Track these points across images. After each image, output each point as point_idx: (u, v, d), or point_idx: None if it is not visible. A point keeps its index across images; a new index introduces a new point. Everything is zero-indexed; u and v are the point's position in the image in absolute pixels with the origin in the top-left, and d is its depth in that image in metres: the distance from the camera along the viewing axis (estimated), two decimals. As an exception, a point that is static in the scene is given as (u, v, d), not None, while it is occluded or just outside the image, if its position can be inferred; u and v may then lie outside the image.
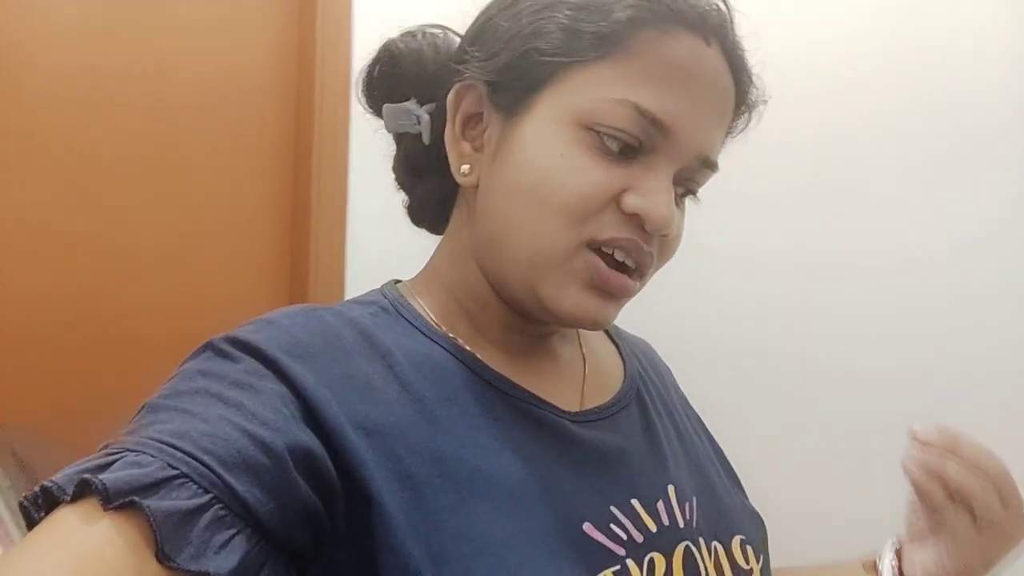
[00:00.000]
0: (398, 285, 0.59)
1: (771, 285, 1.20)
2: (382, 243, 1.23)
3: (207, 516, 0.36)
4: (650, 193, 0.49)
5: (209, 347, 0.46)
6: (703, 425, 0.70)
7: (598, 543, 0.48)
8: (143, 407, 0.42)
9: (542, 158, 0.50)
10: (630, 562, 0.48)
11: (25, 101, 1.15)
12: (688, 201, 0.56)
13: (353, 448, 0.44)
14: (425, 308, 0.56)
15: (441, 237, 0.60)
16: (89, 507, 0.35)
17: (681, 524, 0.53)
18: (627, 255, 0.50)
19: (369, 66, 0.59)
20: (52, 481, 0.36)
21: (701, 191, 0.56)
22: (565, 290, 0.50)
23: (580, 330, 0.64)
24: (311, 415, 0.44)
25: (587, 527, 0.48)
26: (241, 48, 1.35)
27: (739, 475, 0.68)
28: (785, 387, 1.18)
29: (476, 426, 0.49)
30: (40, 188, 1.16)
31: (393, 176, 0.63)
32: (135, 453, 0.37)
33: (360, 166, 1.30)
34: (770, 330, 1.20)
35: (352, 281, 1.29)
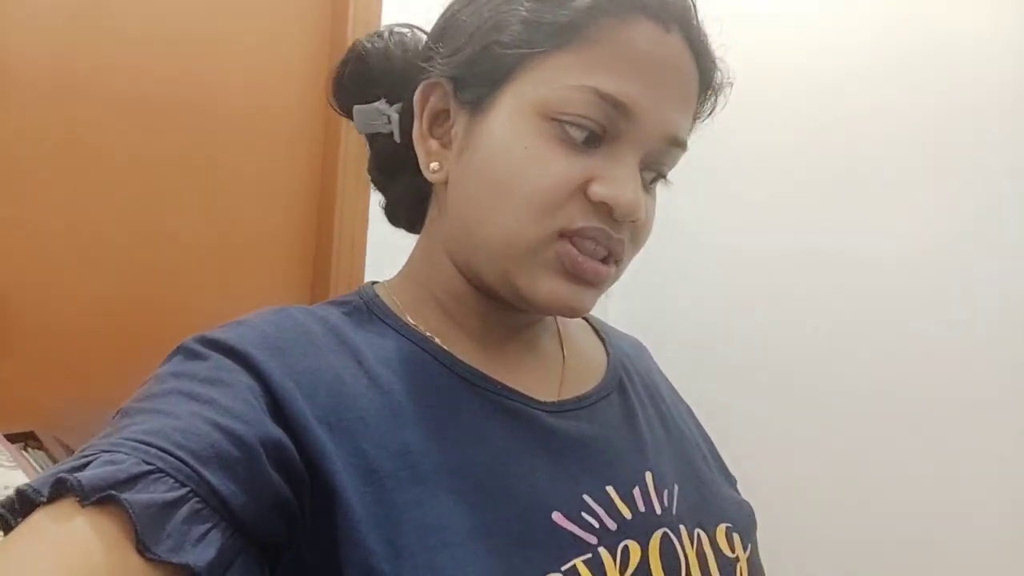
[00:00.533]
0: (374, 285, 0.60)
1: (771, 281, 1.20)
2: (404, 251, 1.26)
3: (184, 509, 0.37)
4: (616, 181, 0.49)
5: (180, 350, 0.47)
6: (695, 418, 0.70)
7: (568, 532, 0.47)
8: (117, 413, 0.43)
9: (506, 152, 0.50)
10: (602, 550, 0.48)
11: (74, 109, 1.21)
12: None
13: (317, 442, 0.44)
14: (399, 306, 0.57)
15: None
16: (67, 506, 0.35)
17: (659, 511, 0.53)
18: (598, 244, 0.50)
19: (338, 67, 0.60)
20: (27, 485, 0.36)
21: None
22: (540, 279, 0.50)
23: (560, 323, 0.65)
24: (277, 408, 0.44)
25: (556, 516, 0.48)
26: (274, 57, 1.43)
27: (739, 468, 0.68)
28: (785, 381, 1.19)
29: (445, 419, 0.49)
30: (78, 193, 1.22)
31: (368, 177, 0.64)
32: (109, 453, 0.37)
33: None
34: (771, 325, 1.20)
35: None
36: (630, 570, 0.48)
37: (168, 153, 1.29)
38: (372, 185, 0.64)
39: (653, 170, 0.53)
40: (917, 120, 1.05)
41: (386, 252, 1.30)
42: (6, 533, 0.36)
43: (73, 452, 0.39)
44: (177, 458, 0.38)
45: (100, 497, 0.35)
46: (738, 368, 1.24)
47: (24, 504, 0.36)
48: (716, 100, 0.57)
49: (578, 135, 0.49)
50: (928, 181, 1.04)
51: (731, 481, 0.67)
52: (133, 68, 1.25)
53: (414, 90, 0.54)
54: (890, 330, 1.10)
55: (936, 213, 1.03)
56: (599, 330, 0.69)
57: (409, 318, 0.56)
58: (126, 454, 0.37)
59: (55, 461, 0.98)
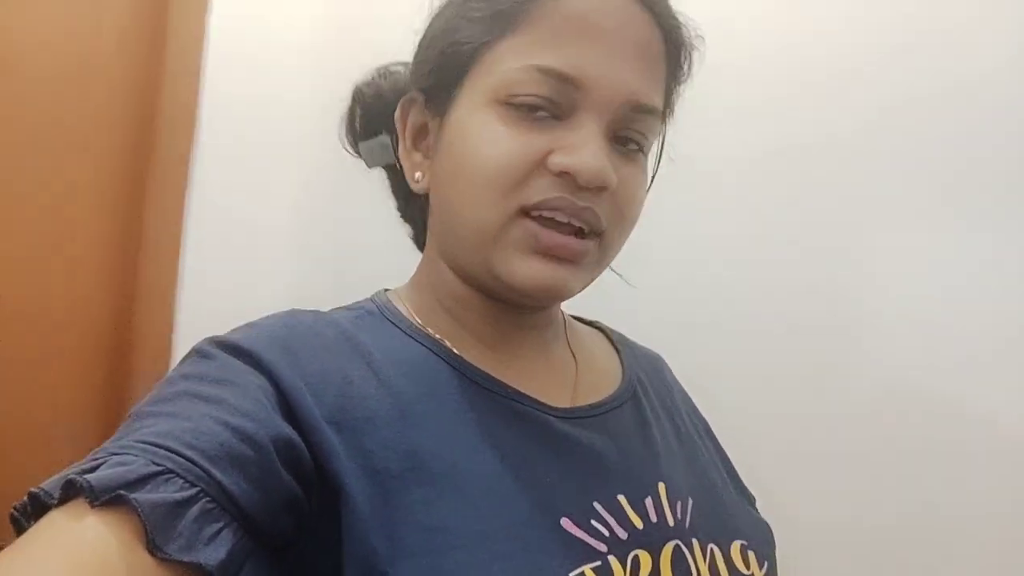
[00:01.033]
0: (387, 292, 0.61)
1: (765, 285, 1.14)
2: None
3: (195, 509, 0.37)
4: (574, 148, 0.49)
5: (192, 352, 0.48)
6: (712, 435, 0.69)
7: (577, 539, 0.47)
8: (128, 416, 0.43)
9: (466, 143, 0.51)
10: (612, 559, 0.47)
11: None
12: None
13: (325, 441, 0.44)
14: (411, 311, 0.57)
15: None
16: (78, 507, 0.35)
17: (671, 522, 0.52)
18: (565, 215, 0.49)
19: (345, 113, 0.64)
20: (39, 487, 0.37)
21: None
22: (513, 262, 0.50)
23: (569, 331, 0.65)
24: (287, 407, 0.45)
25: (565, 522, 0.47)
26: (87, 42, 1.24)
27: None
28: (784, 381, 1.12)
29: (455, 421, 0.49)
30: None
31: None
32: (119, 455, 0.38)
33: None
34: (768, 338, 1.13)
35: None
36: None
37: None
38: (401, 220, 0.67)
39: (627, 139, 0.52)
40: (916, 121, 1.00)
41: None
42: (19, 535, 0.36)
43: None
44: (187, 458, 0.38)
45: (110, 497, 0.35)
46: (738, 367, 1.17)
47: (36, 507, 0.36)
48: (690, 57, 0.56)
49: (532, 113, 0.49)
50: (927, 180, 0.99)
51: (749, 499, 0.66)
52: None
53: None
54: (889, 331, 1.05)
55: (941, 212, 0.99)
56: (615, 341, 0.68)
57: (421, 322, 0.56)
58: (135, 456, 0.37)
59: None
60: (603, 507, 0.49)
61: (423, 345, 0.54)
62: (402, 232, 0.67)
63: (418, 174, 0.56)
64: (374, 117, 0.62)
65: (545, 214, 0.49)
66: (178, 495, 0.36)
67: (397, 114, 0.57)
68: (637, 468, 0.54)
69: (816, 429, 1.05)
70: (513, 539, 0.45)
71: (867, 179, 1.03)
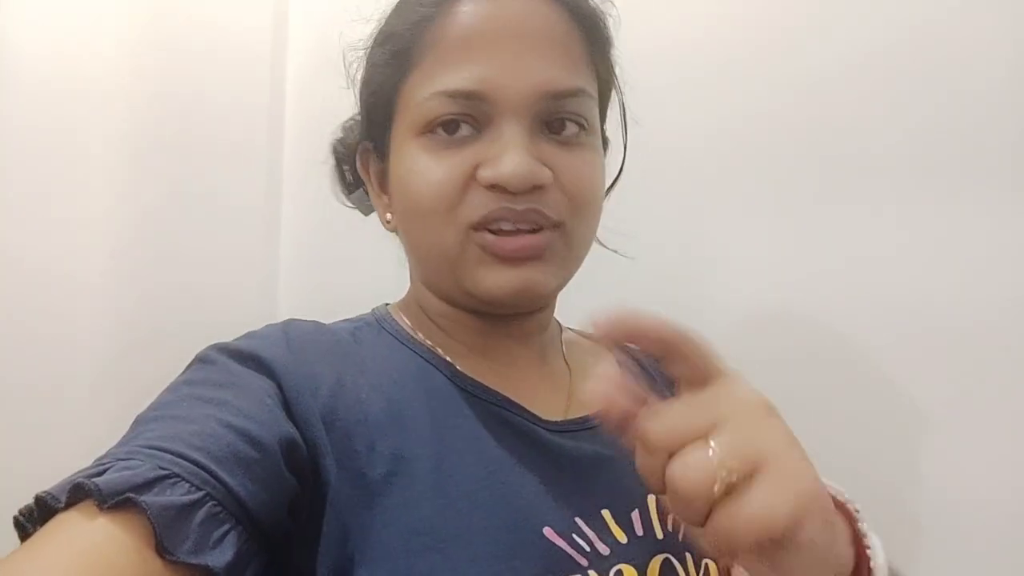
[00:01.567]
0: (387, 306, 0.62)
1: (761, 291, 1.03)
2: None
3: (202, 512, 0.37)
4: (496, 159, 0.50)
5: (195, 360, 0.49)
6: None
7: (558, 548, 0.47)
8: (133, 423, 0.43)
9: (405, 178, 0.54)
10: (593, 573, 0.47)
11: None
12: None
13: (319, 440, 0.45)
14: (408, 323, 0.59)
15: None
16: (85, 510, 0.35)
17: (660, 535, 0.52)
18: (509, 223, 0.50)
19: (332, 170, 0.67)
20: (46, 492, 0.37)
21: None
22: (479, 275, 0.52)
23: (565, 343, 0.65)
24: (288, 407, 0.46)
25: (548, 531, 0.47)
26: None
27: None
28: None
29: (443, 426, 0.50)
30: None
31: None
32: (125, 460, 0.38)
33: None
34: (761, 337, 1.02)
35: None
36: None
37: None
38: None
39: (563, 125, 0.53)
40: (906, 118, 0.92)
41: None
42: (23, 539, 0.36)
43: None
44: (192, 461, 0.38)
45: (118, 501, 0.35)
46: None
47: (42, 511, 0.36)
48: (605, 23, 0.57)
49: (454, 135, 0.51)
50: (920, 180, 0.91)
51: None
52: None
53: None
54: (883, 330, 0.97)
55: (934, 208, 0.90)
56: (616, 355, 0.68)
57: (418, 334, 0.58)
58: (141, 460, 0.38)
59: None
60: (584, 522, 0.49)
61: (417, 354, 0.55)
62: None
63: (388, 215, 0.59)
64: (354, 170, 0.65)
65: (491, 228, 0.51)
66: (185, 498, 0.37)
67: (359, 165, 0.61)
68: (625, 481, 0.53)
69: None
70: (492, 544, 0.45)
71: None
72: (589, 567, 0.47)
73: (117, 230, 1.03)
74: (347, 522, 0.44)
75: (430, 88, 0.51)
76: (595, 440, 0.55)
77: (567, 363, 0.63)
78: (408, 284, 0.64)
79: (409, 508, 0.45)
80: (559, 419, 0.55)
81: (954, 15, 0.85)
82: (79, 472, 0.38)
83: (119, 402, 0.94)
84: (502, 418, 0.53)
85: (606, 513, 0.51)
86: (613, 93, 0.62)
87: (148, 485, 0.36)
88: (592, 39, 0.55)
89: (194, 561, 0.35)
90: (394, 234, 0.61)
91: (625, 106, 0.64)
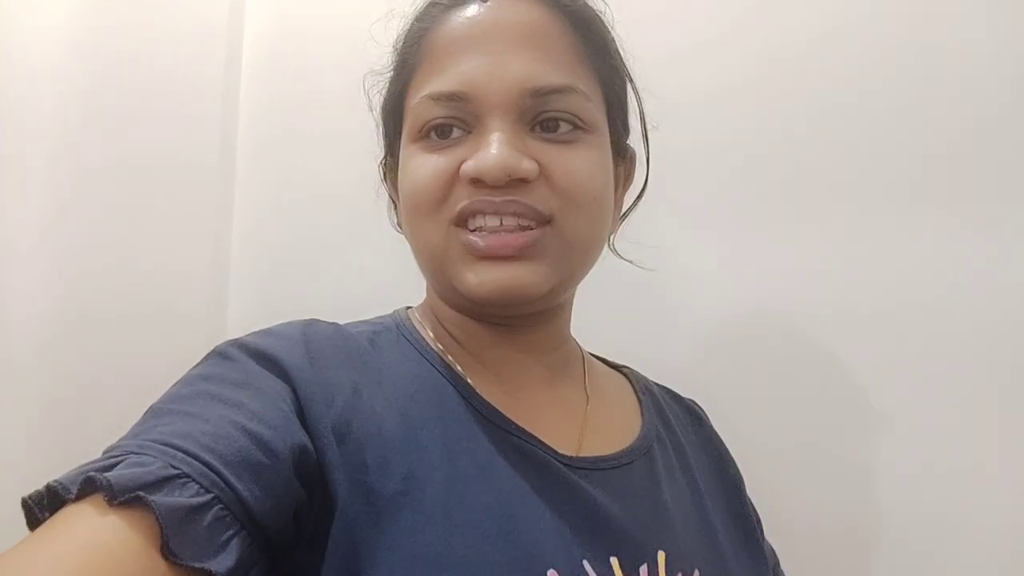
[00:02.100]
0: (408, 310, 0.61)
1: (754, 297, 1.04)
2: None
3: (209, 515, 0.37)
4: (478, 151, 0.50)
5: (213, 353, 0.48)
6: (741, 494, 0.66)
7: None
8: (146, 412, 0.43)
9: (402, 180, 0.55)
10: None
11: None
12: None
13: (329, 451, 0.45)
14: (428, 332, 0.58)
15: None
16: (95, 504, 0.35)
17: None
18: (493, 216, 0.50)
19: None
20: (57, 481, 0.36)
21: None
22: (465, 274, 0.51)
23: (588, 373, 0.64)
24: (302, 414, 0.45)
25: (552, 574, 0.45)
26: None
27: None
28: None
29: (456, 450, 0.49)
30: None
31: None
32: (137, 455, 0.38)
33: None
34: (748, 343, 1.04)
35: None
36: None
37: None
38: None
39: (556, 123, 0.52)
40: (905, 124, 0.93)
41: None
42: (31, 526, 0.36)
43: None
44: (204, 463, 0.38)
45: (128, 498, 0.35)
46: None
47: (52, 500, 0.36)
48: (595, 24, 0.56)
49: (446, 138, 0.52)
50: (919, 188, 0.93)
51: (770, 560, 0.65)
52: None
53: None
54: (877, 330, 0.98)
55: (931, 219, 0.91)
56: (638, 390, 0.66)
57: (437, 345, 0.57)
58: (153, 457, 0.37)
59: None
60: (592, 567, 0.47)
61: (435, 368, 0.54)
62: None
63: (400, 223, 0.61)
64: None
65: (471, 223, 0.51)
66: (194, 500, 0.36)
67: (385, 180, 0.62)
68: (638, 532, 0.51)
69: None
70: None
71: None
72: None
73: (55, 206, 0.98)
74: (355, 537, 0.43)
75: (421, 93, 0.53)
76: (608, 482, 0.53)
77: (587, 391, 0.61)
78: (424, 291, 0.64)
79: (416, 532, 0.44)
80: (573, 454, 0.53)
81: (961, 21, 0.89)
82: (90, 463, 0.38)
83: (54, 384, 0.90)
84: (515, 447, 0.51)
85: (614, 561, 0.49)
86: (631, 102, 0.62)
87: (159, 484, 0.36)
88: (588, 41, 0.55)
89: (198, 565, 0.35)
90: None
91: (644, 115, 0.63)
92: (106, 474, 0.35)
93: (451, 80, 0.51)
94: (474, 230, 0.51)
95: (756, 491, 0.69)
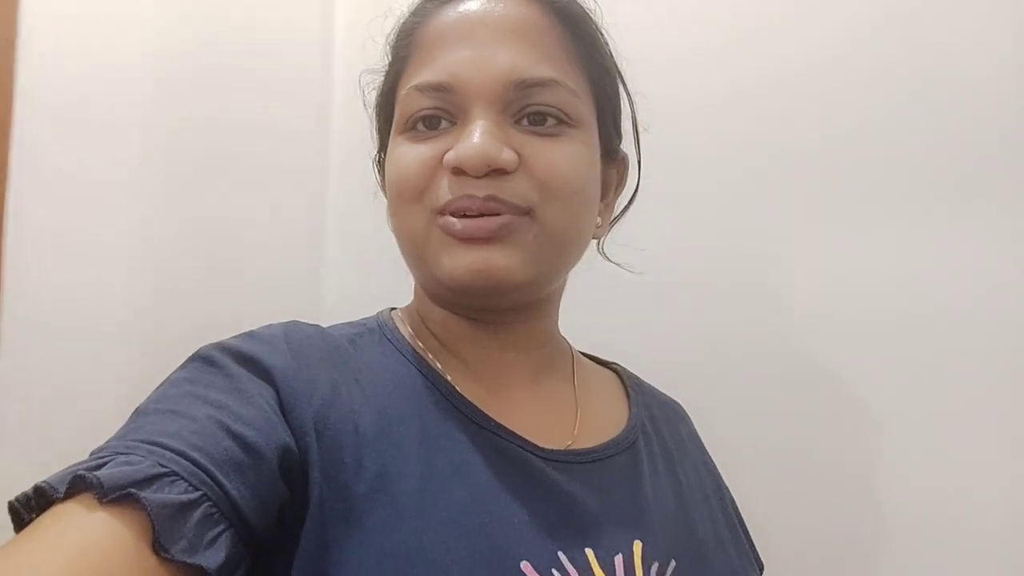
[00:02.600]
0: (393, 311, 0.62)
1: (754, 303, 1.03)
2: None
3: (198, 512, 0.37)
4: (460, 141, 0.50)
5: (195, 357, 0.48)
6: (724, 495, 0.66)
7: None
8: (132, 414, 0.44)
9: (389, 170, 0.55)
10: None
11: None
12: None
13: (310, 449, 0.45)
14: (411, 332, 0.58)
15: None
16: (83, 502, 0.35)
17: None
18: (473, 209, 0.50)
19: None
20: (44, 482, 0.37)
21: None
22: (443, 259, 0.51)
23: (576, 370, 0.64)
24: (284, 413, 0.46)
25: (525, 566, 0.46)
26: None
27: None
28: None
29: (432, 447, 0.49)
30: None
31: None
32: (125, 455, 0.38)
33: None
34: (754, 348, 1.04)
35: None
36: None
37: None
38: None
39: (542, 117, 0.52)
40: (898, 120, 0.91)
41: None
42: (18, 529, 0.36)
43: None
44: (192, 461, 0.38)
45: (119, 495, 0.35)
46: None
47: (40, 500, 0.36)
48: (586, 18, 0.56)
49: (434, 129, 0.53)
50: (911, 184, 0.91)
51: (755, 566, 0.65)
52: None
53: None
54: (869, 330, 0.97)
55: (925, 215, 0.90)
56: (628, 385, 0.67)
57: (418, 344, 0.57)
58: (141, 456, 0.38)
59: None
60: (567, 558, 0.48)
61: (415, 367, 0.54)
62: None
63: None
64: None
65: (455, 213, 0.51)
66: (183, 497, 0.37)
67: (376, 174, 0.63)
68: (615, 523, 0.52)
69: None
70: (468, 572, 0.44)
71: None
72: None
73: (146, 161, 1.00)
74: (326, 534, 0.44)
75: (407, 84, 0.54)
76: (589, 475, 0.54)
77: (575, 391, 0.62)
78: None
79: (388, 530, 0.44)
80: (555, 448, 0.54)
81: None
82: (77, 464, 0.38)
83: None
84: (495, 444, 0.51)
85: (590, 552, 0.49)
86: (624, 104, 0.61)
87: (148, 481, 0.36)
88: (578, 39, 0.55)
89: (189, 560, 0.35)
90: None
91: (636, 116, 0.63)
92: (95, 472, 0.36)
93: (437, 71, 0.52)
94: (457, 216, 0.51)
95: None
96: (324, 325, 0.57)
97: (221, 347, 0.48)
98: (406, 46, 0.56)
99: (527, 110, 0.52)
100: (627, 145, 0.64)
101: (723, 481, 0.68)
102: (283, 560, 0.43)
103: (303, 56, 1.23)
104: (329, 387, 0.49)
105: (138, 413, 0.43)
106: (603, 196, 0.60)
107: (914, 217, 0.86)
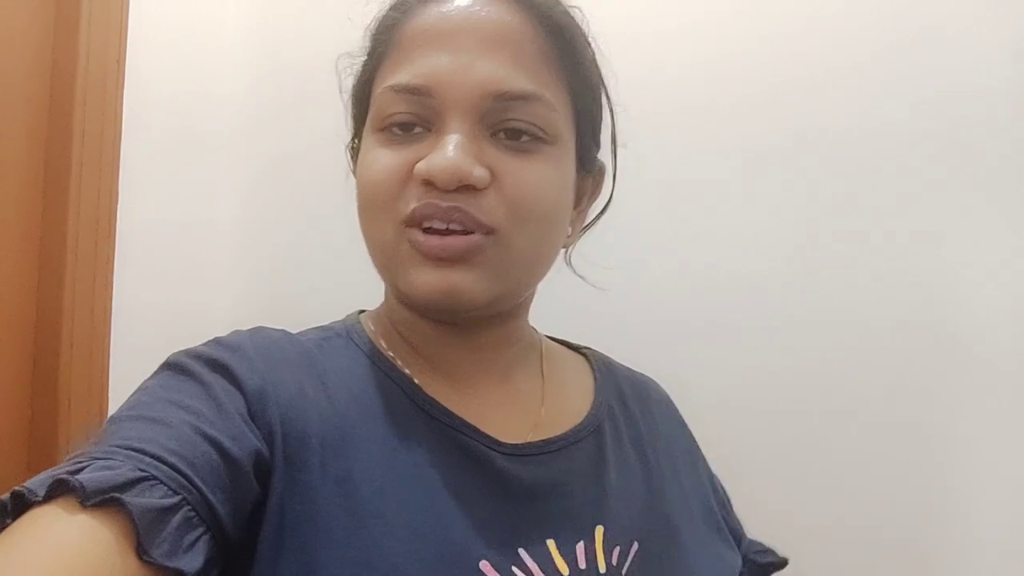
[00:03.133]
0: (360, 314, 0.61)
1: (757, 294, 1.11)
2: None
3: (178, 516, 0.37)
4: (433, 152, 0.49)
5: (167, 365, 0.49)
6: (700, 472, 0.67)
7: None
8: (107, 422, 0.44)
9: (359, 171, 0.54)
10: None
11: None
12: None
13: (276, 452, 0.46)
14: (376, 334, 0.58)
15: None
16: (63, 506, 0.35)
17: (602, 568, 0.51)
18: (437, 220, 0.49)
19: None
20: (23, 486, 0.36)
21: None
22: (409, 274, 0.50)
23: (546, 361, 0.63)
24: (253, 418, 0.46)
25: (484, 565, 0.46)
26: None
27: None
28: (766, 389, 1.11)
29: (394, 448, 0.49)
30: None
31: None
32: (103, 459, 0.38)
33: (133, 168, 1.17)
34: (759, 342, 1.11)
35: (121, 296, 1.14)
36: None
37: None
38: None
39: (519, 132, 0.51)
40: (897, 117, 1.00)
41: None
42: None
43: None
44: (170, 465, 0.39)
45: (100, 499, 0.35)
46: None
47: (17, 505, 0.36)
48: (574, 32, 0.55)
49: (408, 132, 0.51)
50: (909, 176, 1.00)
51: (735, 535, 0.65)
52: None
53: None
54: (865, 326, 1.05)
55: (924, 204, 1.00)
56: (595, 368, 0.66)
57: (384, 345, 0.57)
58: (120, 461, 0.38)
59: None
60: (528, 553, 0.48)
61: (380, 369, 0.54)
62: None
63: None
64: None
65: (423, 224, 0.50)
66: (163, 501, 0.37)
67: (349, 164, 0.61)
68: (576, 510, 0.52)
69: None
70: (426, 574, 0.44)
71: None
72: None
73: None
74: (285, 537, 0.44)
75: (384, 83, 0.52)
76: (552, 464, 0.54)
77: (543, 382, 0.61)
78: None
79: (349, 533, 0.44)
80: (518, 442, 0.54)
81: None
82: (55, 469, 0.38)
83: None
84: (457, 442, 0.52)
85: (551, 543, 0.50)
86: (607, 116, 0.61)
87: (128, 485, 0.36)
88: (561, 49, 0.53)
89: (169, 564, 0.36)
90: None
91: (616, 131, 0.62)
92: (76, 476, 0.36)
93: (415, 74, 0.50)
94: (425, 231, 0.50)
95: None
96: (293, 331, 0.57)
97: (191, 354, 0.49)
98: (384, 41, 0.55)
99: (504, 124, 0.51)
100: (624, 145, 0.64)
101: (698, 452, 0.68)
102: (244, 564, 0.43)
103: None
104: (296, 389, 0.49)
105: (113, 421, 0.43)
106: (576, 204, 0.59)
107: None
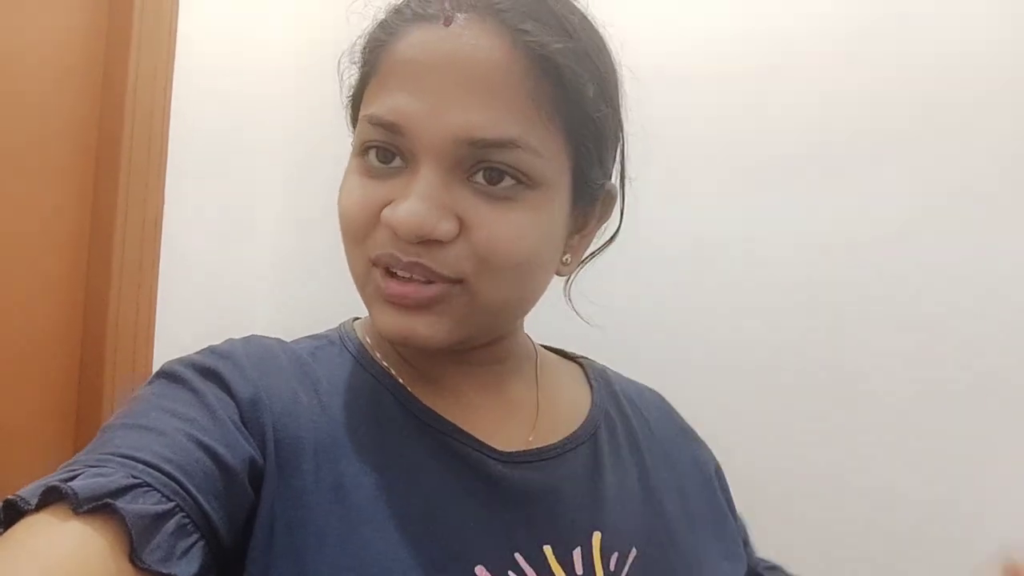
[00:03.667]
0: (355, 321, 0.61)
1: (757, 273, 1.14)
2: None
3: (172, 523, 0.37)
4: (398, 202, 0.47)
5: (160, 374, 0.49)
6: (704, 476, 0.65)
7: None
8: (100, 431, 0.44)
9: (340, 192, 0.52)
10: None
11: None
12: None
13: (268, 458, 0.45)
14: (369, 342, 0.58)
15: None
16: (58, 513, 0.35)
17: (599, 575, 0.50)
18: (398, 267, 0.48)
19: None
20: (15, 495, 0.36)
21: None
22: (377, 312, 0.50)
23: (540, 369, 0.62)
24: (246, 425, 0.46)
25: (479, 570, 0.46)
26: (37, 31, 1.13)
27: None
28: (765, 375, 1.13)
29: (388, 454, 0.49)
30: None
31: None
32: (96, 467, 0.38)
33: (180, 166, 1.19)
34: (753, 320, 1.14)
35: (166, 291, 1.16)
36: None
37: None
38: None
39: (500, 175, 0.48)
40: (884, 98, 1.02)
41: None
42: None
43: None
44: (164, 472, 0.38)
45: (95, 506, 0.35)
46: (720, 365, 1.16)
47: (9, 514, 0.36)
48: (579, 71, 0.49)
49: (387, 163, 0.49)
50: (897, 162, 1.02)
51: (742, 537, 0.64)
52: None
53: None
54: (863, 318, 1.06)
55: (910, 190, 1.02)
56: (591, 377, 0.65)
57: (377, 354, 0.56)
58: (113, 468, 0.38)
59: None
60: (524, 558, 0.48)
61: (372, 376, 0.54)
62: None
63: None
64: None
65: (389, 268, 0.49)
66: (157, 508, 0.37)
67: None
68: (572, 516, 0.52)
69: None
70: None
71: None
72: None
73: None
74: (278, 542, 0.43)
75: (364, 110, 0.51)
76: (548, 470, 0.53)
77: (538, 390, 0.60)
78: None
79: (342, 538, 0.44)
80: (513, 449, 0.53)
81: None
82: (47, 477, 0.38)
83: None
84: (451, 449, 0.51)
85: (548, 549, 0.49)
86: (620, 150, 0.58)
87: (122, 492, 0.36)
88: (556, 88, 0.48)
89: (163, 570, 0.36)
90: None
91: (625, 164, 0.59)
92: (69, 483, 0.36)
93: (389, 108, 0.48)
94: (390, 273, 0.49)
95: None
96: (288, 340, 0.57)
97: (184, 363, 0.49)
98: (371, 62, 0.52)
99: (483, 166, 0.47)
100: (638, 164, 0.61)
101: (706, 460, 0.67)
102: (236, 570, 0.43)
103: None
104: (288, 396, 0.49)
105: (106, 429, 0.43)
106: (580, 229, 0.56)
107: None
